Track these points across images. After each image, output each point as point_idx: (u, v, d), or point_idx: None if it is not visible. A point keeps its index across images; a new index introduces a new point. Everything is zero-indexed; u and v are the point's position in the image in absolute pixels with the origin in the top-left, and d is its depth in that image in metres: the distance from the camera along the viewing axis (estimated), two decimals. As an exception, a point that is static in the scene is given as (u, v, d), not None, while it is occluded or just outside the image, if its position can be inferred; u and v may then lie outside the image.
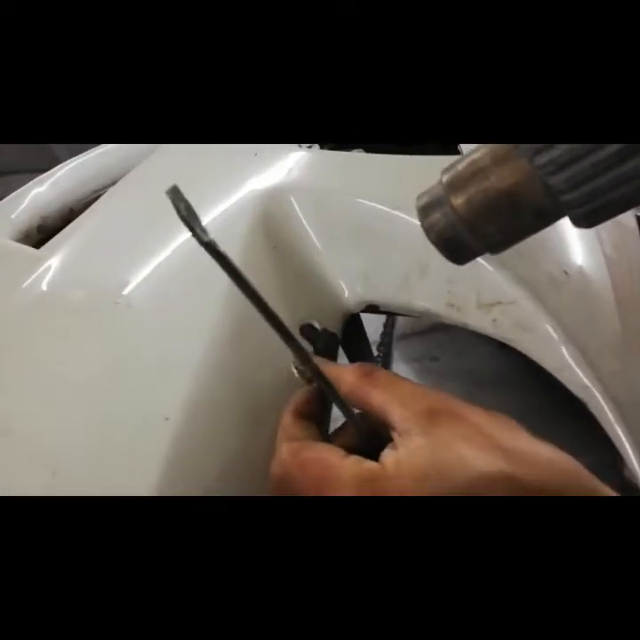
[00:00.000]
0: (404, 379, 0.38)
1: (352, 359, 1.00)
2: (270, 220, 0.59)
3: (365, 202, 0.57)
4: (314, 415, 0.42)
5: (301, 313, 0.56)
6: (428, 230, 0.38)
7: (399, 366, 2.33)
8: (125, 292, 0.51)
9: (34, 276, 0.54)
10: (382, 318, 1.43)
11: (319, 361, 0.39)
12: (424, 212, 0.38)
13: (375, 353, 1.32)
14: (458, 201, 0.35)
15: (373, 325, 1.42)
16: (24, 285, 0.54)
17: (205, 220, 0.55)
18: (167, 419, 0.43)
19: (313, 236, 0.60)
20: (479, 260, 0.52)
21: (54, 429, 0.43)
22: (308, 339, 0.56)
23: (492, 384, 2.00)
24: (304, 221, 0.60)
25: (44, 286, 0.54)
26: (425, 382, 2.22)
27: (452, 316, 0.53)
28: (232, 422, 0.47)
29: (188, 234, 0.28)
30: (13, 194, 0.77)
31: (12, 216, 0.73)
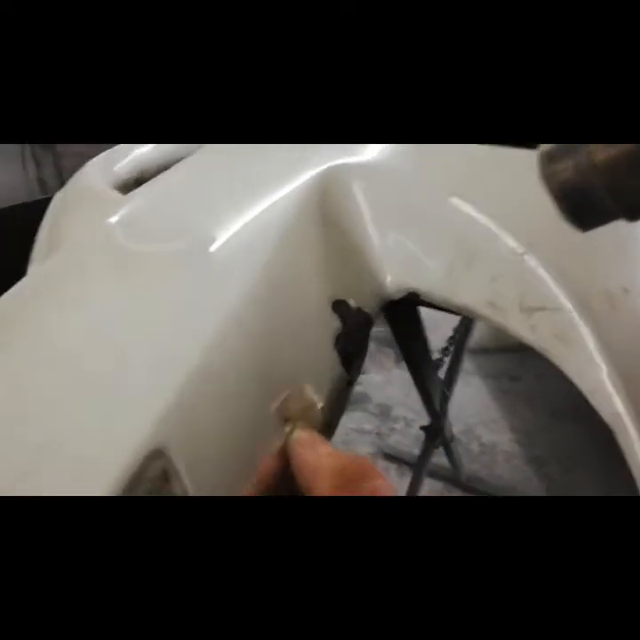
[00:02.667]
0: None
1: (405, 354, 0.96)
2: (327, 194, 0.57)
3: (423, 186, 0.54)
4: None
5: (339, 289, 0.55)
6: (549, 177, 0.31)
7: (474, 380, 2.24)
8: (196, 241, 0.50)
9: (112, 216, 0.55)
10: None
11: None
12: (549, 157, 0.31)
13: (437, 355, 1.27)
14: (598, 147, 0.29)
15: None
16: (102, 223, 0.55)
17: (269, 184, 0.56)
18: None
19: (366, 215, 0.58)
20: (529, 258, 0.48)
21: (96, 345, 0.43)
22: (340, 315, 0.54)
23: (569, 413, 1.88)
24: (360, 200, 0.58)
25: (118, 227, 0.55)
26: (498, 402, 2.12)
27: (492, 316, 0.49)
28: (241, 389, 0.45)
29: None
30: (118, 147, 0.81)
31: (115, 167, 0.77)
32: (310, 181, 0.56)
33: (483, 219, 0.51)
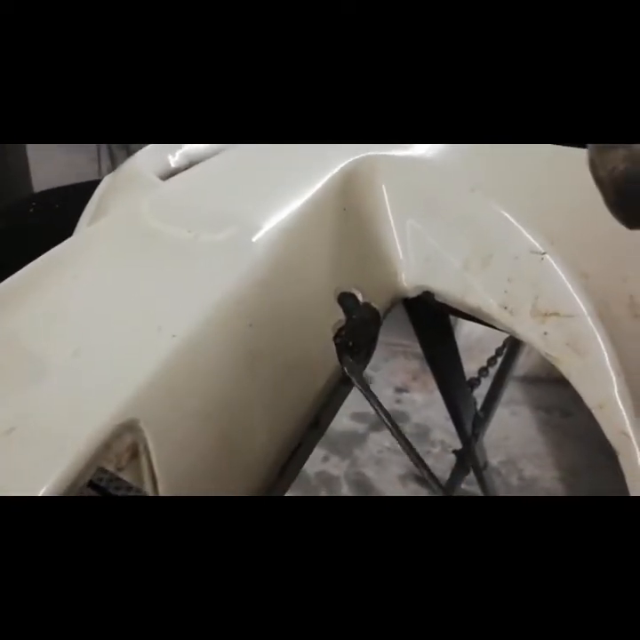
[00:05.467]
0: None
1: (431, 362, 0.92)
2: (351, 181, 0.55)
3: (446, 179, 0.51)
4: None
5: (348, 281, 0.52)
6: (599, 167, 0.28)
7: (522, 410, 2.14)
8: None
9: (149, 199, 0.55)
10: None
11: None
12: (600, 146, 0.29)
13: (473, 374, 1.21)
14: None
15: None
16: (134, 202, 0.55)
17: (294, 164, 0.55)
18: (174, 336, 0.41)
19: (387, 205, 0.55)
20: (549, 258, 0.44)
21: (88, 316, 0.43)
22: (345, 308, 0.51)
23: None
24: (383, 190, 0.56)
25: (146, 206, 0.55)
26: (546, 437, 2.02)
27: (503, 320, 0.45)
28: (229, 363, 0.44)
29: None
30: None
31: (166, 156, 0.78)
32: (337, 170, 0.55)
33: (504, 214, 0.47)
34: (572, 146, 0.43)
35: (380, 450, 1.71)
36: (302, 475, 1.68)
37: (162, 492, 0.34)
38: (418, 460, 0.46)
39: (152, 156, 0.79)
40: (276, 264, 0.46)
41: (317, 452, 1.74)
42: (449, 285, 0.50)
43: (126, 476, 0.34)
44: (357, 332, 0.51)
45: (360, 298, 0.52)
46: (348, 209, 0.54)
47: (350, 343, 0.50)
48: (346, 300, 0.51)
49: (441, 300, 0.52)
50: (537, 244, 0.45)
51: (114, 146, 2.68)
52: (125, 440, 0.33)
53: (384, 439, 1.74)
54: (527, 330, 0.44)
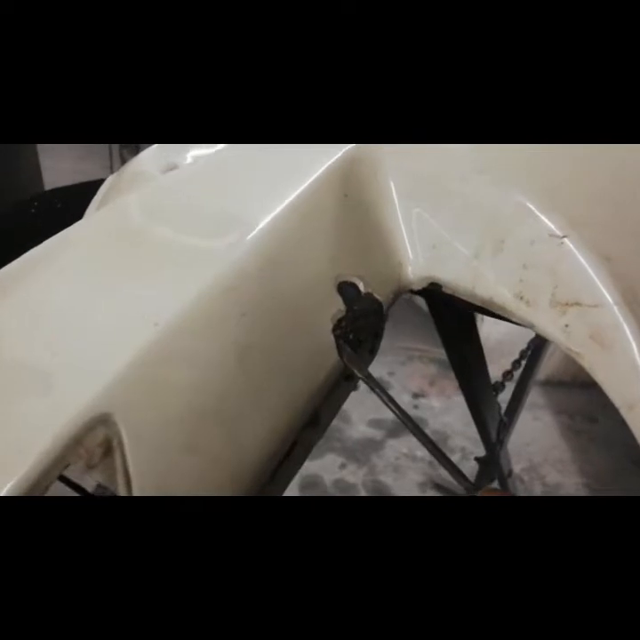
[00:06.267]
0: None
1: (456, 366, 0.87)
2: (353, 166, 0.51)
3: (454, 162, 0.47)
4: None
5: (348, 270, 0.48)
6: None
7: (544, 415, 2.07)
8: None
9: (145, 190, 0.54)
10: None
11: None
12: None
13: (497, 378, 1.15)
14: None
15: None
16: (128, 201, 0.53)
17: (294, 150, 0.51)
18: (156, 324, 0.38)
19: (393, 192, 0.51)
20: (569, 242, 0.39)
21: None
22: (345, 299, 0.47)
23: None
24: (388, 176, 0.52)
25: (136, 202, 0.53)
26: (569, 443, 1.95)
27: (519, 312, 0.41)
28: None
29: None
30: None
31: (171, 155, 0.77)
32: (339, 155, 0.51)
33: (518, 196, 0.43)
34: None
35: (398, 457, 1.66)
36: (319, 482, 1.64)
37: (136, 492, 0.31)
38: (436, 451, 0.44)
39: (157, 156, 0.78)
40: (271, 251, 0.43)
41: (334, 460, 1.70)
42: (457, 275, 0.46)
43: (98, 475, 0.31)
44: (358, 323, 0.47)
45: (361, 288, 0.48)
46: (349, 195, 0.50)
47: (351, 336, 0.46)
48: (346, 289, 0.47)
49: (449, 292, 0.48)
50: (555, 228, 0.40)
51: (125, 152, 2.68)
52: (98, 435, 0.30)
53: (402, 446, 1.69)
54: (546, 322, 0.39)
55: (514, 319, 0.42)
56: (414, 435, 0.46)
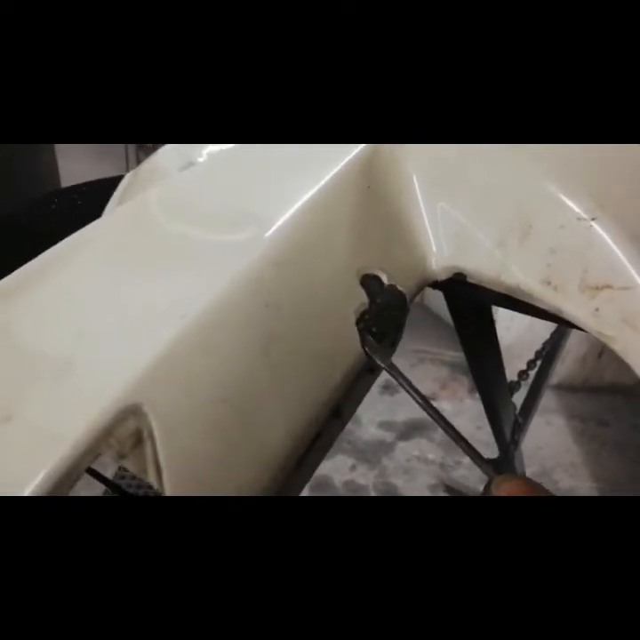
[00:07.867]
0: None
1: (473, 362, 0.86)
2: (375, 158, 0.51)
3: (475, 150, 0.47)
4: None
5: (371, 262, 0.48)
6: None
7: (556, 419, 2.06)
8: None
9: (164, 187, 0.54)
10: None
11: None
12: None
13: (512, 376, 1.15)
14: None
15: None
16: (155, 194, 0.53)
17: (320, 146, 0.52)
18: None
19: (415, 182, 0.51)
20: (598, 224, 0.39)
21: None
22: (369, 290, 0.47)
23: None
24: (410, 165, 0.51)
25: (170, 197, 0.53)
26: (582, 447, 1.93)
27: (546, 298, 0.41)
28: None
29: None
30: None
31: (190, 151, 0.77)
32: (360, 147, 0.51)
33: (544, 180, 0.42)
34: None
35: (409, 459, 1.65)
36: (329, 483, 1.63)
37: (166, 482, 0.31)
38: (455, 435, 0.44)
39: (173, 153, 0.78)
40: (294, 243, 0.43)
41: (345, 461, 1.69)
42: (483, 263, 0.46)
43: (129, 465, 0.31)
44: (382, 316, 0.46)
45: (385, 280, 0.48)
46: (372, 187, 0.50)
47: (374, 329, 0.46)
48: (369, 282, 0.47)
49: (474, 282, 0.47)
50: (582, 211, 0.40)
51: (142, 153, 2.69)
52: (128, 425, 0.31)
53: (412, 448, 1.68)
54: (575, 307, 0.39)
55: (541, 305, 0.42)
56: (437, 423, 0.46)
